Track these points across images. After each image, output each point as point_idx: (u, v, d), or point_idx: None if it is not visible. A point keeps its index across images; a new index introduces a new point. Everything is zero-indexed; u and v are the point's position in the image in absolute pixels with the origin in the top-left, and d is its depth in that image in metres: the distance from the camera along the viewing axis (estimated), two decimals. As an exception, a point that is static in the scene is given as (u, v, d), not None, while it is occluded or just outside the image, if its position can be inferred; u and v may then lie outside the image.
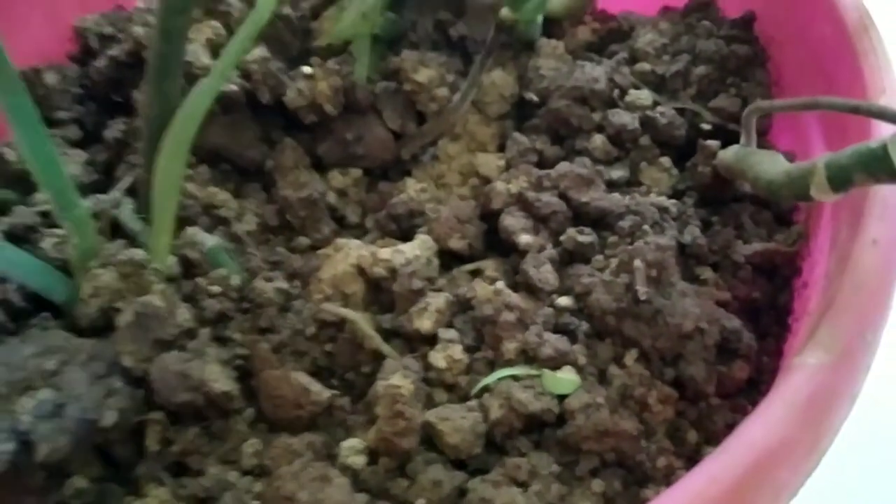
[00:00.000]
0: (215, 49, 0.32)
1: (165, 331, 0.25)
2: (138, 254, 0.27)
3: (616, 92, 0.31)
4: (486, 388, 0.24)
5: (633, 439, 0.22)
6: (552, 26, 0.35)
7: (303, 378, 0.24)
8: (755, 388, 0.25)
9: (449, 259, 0.28)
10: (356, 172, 0.33)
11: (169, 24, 0.26)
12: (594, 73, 0.31)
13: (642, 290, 0.23)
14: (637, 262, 0.24)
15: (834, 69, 0.26)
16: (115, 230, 0.30)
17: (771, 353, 0.26)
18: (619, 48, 0.33)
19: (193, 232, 0.29)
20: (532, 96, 0.32)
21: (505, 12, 0.28)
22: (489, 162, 0.31)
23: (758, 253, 0.26)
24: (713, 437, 0.24)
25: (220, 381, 0.24)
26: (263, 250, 0.30)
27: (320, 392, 0.24)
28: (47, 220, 0.31)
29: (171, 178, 0.27)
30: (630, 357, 0.24)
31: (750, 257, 0.26)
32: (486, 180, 0.31)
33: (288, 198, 0.31)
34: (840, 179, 0.20)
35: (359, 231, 0.32)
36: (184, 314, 0.26)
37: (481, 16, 0.33)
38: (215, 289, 0.27)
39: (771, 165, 0.22)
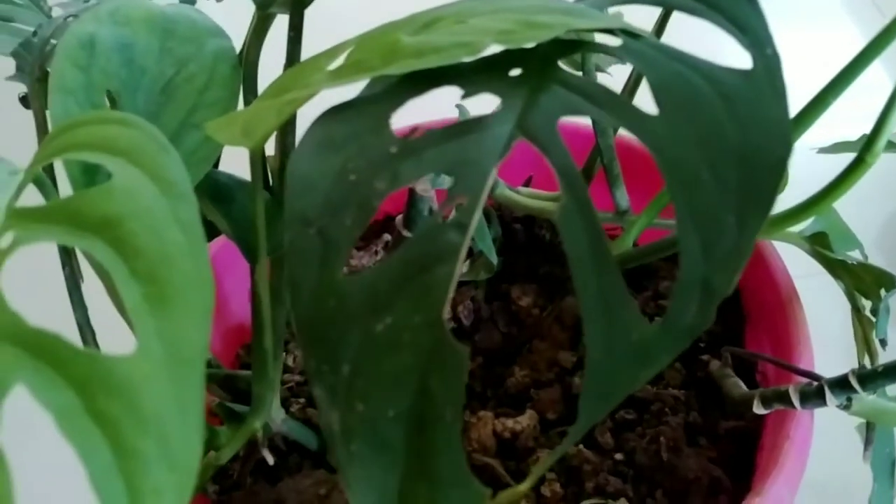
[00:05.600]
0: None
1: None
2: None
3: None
4: (577, 511, 0.41)
5: (661, 542, 0.40)
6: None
7: (469, 502, 0.42)
8: (733, 512, 0.43)
9: (545, 423, 0.47)
10: (479, 359, 0.51)
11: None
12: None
13: (665, 455, 0.41)
14: (662, 439, 0.42)
15: (776, 320, 0.44)
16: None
17: (743, 490, 0.43)
18: (648, 284, 0.52)
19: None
20: (593, 314, 0.50)
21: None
22: (566, 357, 0.50)
23: (734, 426, 0.44)
24: (707, 542, 0.41)
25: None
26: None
27: (480, 510, 0.42)
28: (291, 391, 0.50)
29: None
30: (658, 493, 0.42)
31: (729, 430, 0.44)
32: (565, 369, 0.49)
33: (441, 380, 0.49)
34: (768, 403, 0.38)
35: (483, 398, 0.50)
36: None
37: (558, 261, 0.52)
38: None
39: (734, 388, 0.40)
